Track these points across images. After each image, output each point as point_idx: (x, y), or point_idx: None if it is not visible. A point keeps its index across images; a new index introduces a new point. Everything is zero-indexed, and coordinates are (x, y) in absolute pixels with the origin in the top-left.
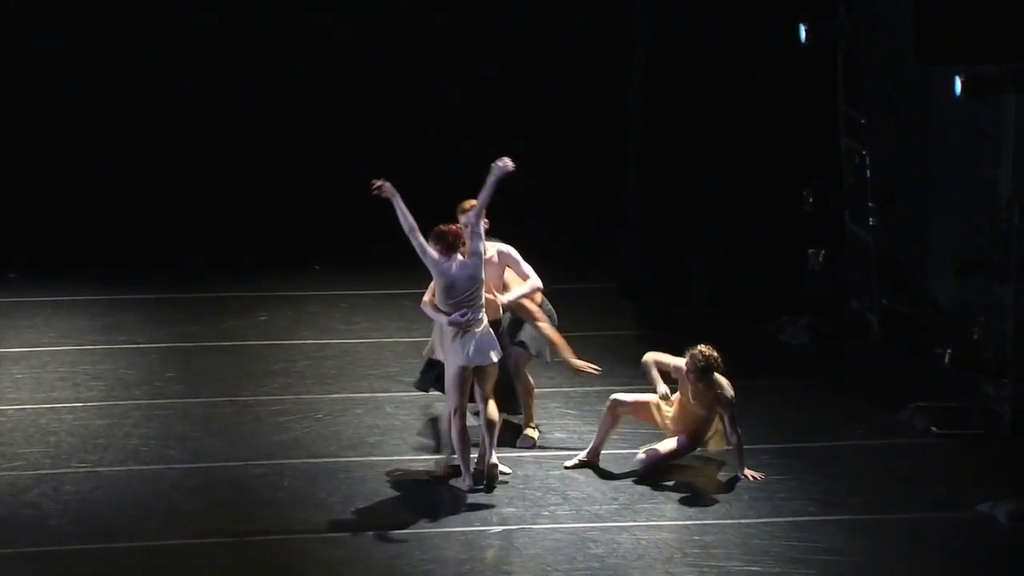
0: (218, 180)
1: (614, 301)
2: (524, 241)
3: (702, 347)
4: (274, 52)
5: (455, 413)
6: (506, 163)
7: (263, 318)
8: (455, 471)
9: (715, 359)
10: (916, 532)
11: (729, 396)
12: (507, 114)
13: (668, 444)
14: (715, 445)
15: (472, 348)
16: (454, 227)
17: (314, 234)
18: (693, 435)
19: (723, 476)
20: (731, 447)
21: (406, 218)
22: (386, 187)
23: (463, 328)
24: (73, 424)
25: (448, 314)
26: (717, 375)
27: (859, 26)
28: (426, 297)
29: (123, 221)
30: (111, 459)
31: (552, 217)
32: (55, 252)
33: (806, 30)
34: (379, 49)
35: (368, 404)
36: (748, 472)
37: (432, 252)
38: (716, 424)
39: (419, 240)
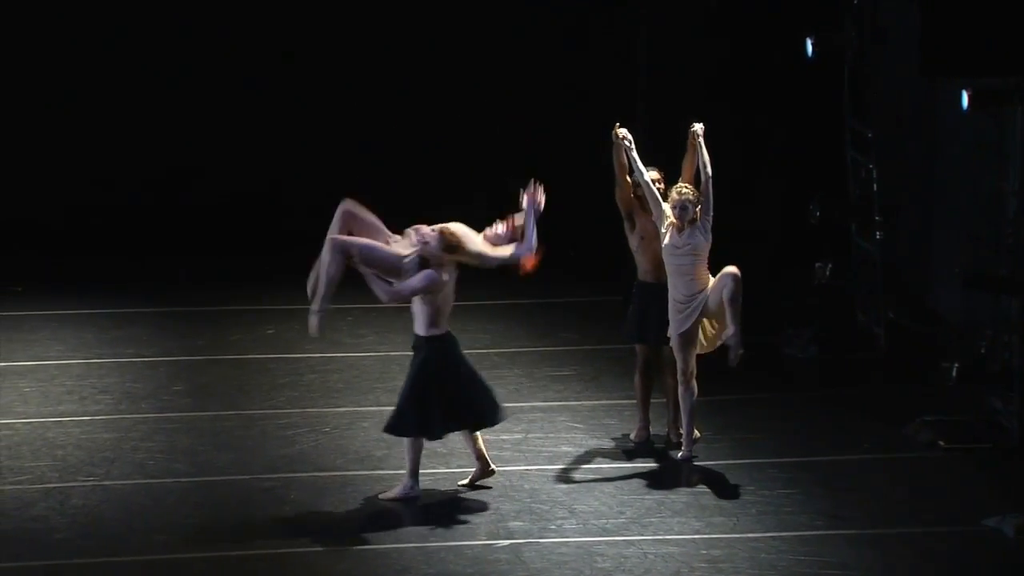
0: (225, 192)
1: (620, 313)
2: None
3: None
4: (277, 68)
5: None
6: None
7: (270, 331)
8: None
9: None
10: (923, 546)
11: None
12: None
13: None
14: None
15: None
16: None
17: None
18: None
19: (730, 490)
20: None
21: None
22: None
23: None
24: (80, 437)
25: None
26: None
27: (865, 40)
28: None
29: (130, 234)
30: (118, 473)
31: (560, 230)
32: (61, 265)
33: (812, 44)
34: (386, 63)
35: (375, 418)
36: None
37: None
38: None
39: None
